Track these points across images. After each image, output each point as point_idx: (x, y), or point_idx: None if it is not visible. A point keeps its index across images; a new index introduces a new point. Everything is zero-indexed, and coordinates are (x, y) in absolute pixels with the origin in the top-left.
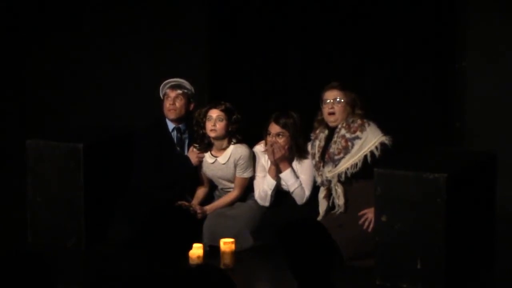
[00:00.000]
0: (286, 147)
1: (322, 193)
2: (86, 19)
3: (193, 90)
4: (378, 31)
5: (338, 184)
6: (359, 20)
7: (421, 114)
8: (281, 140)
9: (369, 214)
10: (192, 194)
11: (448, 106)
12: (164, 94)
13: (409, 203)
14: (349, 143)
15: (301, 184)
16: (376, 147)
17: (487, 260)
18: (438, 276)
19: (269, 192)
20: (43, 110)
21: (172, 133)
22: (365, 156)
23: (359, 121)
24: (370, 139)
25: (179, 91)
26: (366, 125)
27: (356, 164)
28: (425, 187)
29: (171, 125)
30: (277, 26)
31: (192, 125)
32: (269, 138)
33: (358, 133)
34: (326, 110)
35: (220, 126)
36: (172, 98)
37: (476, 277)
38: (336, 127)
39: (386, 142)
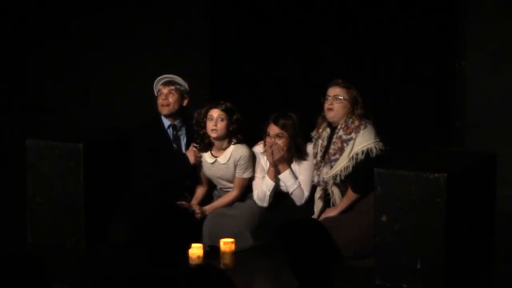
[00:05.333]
0: (285, 148)
1: (318, 193)
2: (86, 19)
3: (186, 86)
4: (378, 31)
5: (334, 186)
6: (359, 21)
7: (421, 114)
8: (280, 141)
9: (329, 213)
10: (192, 193)
11: (448, 106)
12: (158, 91)
13: (409, 203)
14: (344, 144)
15: (300, 185)
16: (362, 152)
17: (487, 260)
18: (438, 276)
19: (268, 193)
20: (43, 110)
21: (168, 130)
22: (352, 159)
23: (356, 122)
24: (360, 143)
25: (172, 87)
26: (362, 127)
27: (348, 167)
28: (425, 187)
29: (166, 122)
30: (277, 27)
31: (188, 122)
32: (268, 139)
33: (352, 134)
34: (326, 105)
35: (221, 126)
36: (165, 94)
37: (476, 277)
38: (337, 127)
39: (374, 149)
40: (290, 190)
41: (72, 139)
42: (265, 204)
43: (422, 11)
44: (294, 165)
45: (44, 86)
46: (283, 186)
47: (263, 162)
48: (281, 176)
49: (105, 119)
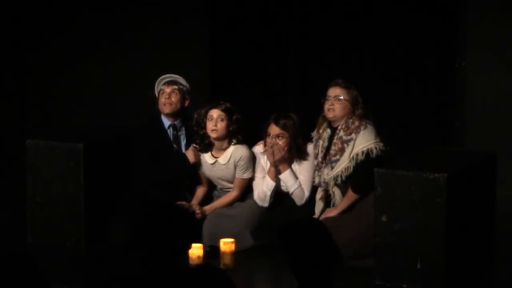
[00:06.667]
0: (286, 148)
1: (319, 194)
2: (86, 19)
3: (188, 86)
4: (378, 31)
5: (335, 187)
6: (359, 21)
7: (421, 113)
8: (280, 142)
9: (329, 213)
10: (192, 193)
11: (448, 106)
12: (160, 90)
13: (409, 203)
14: (345, 145)
15: (300, 185)
16: (363, 152)
17: (487, 260)
18: (438, 276)
19: (268, 193)
20: (43, 110)
21: (168, 131)
22: (352, 159)
23: (356, 123)
24: (360, 143)
25: (175, 87)
26: (362, 127)
27: (348, 167)
28: (425, 187)
29: (166, 122)
30: (277, 27)
31: (188, 122)
32: (268, 140)
33: (352, 135)
34: (326, 106)
35: (221, 126)
36: (168, 93)
37: (476, 277)
38: (337, 127)
39: (374, 149)
40: (291, 190)
41: (72, 139)
42: (265, 204)
43: (422, 11)
44: (295, 165)
45: (44, 86)
46: (284, 186)
47: (263, 162)
48: (281, 176)
49: (105, 119)
